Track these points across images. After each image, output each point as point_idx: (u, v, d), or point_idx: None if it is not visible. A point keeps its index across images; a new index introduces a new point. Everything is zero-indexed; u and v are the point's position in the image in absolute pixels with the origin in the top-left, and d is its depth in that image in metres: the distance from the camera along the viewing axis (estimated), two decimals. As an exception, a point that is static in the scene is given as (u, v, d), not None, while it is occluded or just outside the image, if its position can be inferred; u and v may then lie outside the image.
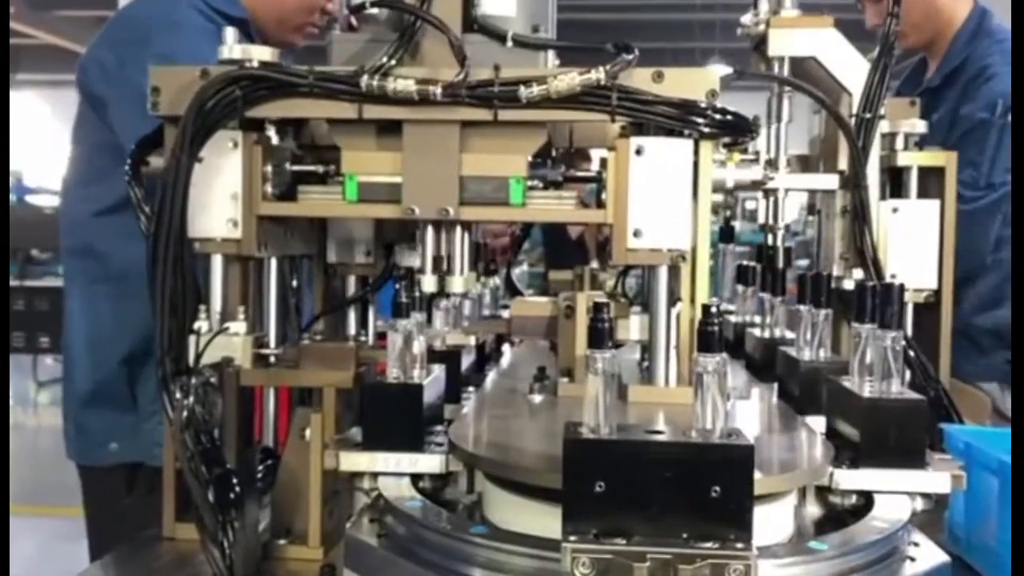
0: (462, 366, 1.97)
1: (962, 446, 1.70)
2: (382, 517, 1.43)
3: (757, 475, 1.17)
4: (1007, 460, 1.58)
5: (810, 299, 1.89)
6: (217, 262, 1.72)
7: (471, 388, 1.97)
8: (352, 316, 2.02)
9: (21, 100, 18.75)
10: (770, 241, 2.31)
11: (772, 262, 2.30)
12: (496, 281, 2.71)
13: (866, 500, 1.46)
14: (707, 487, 1.13)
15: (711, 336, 1.22)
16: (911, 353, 2.06)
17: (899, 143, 2.28)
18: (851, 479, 1.47)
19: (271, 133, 1.75)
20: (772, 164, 2.22)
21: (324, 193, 1.76)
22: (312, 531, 1.67)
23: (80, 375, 2.48)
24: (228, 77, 1.64)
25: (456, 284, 1.75)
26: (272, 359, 1.77)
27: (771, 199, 2.27)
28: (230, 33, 1.72)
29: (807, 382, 1.84)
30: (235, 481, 1.50)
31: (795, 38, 2.16)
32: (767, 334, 2.26)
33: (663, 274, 1.72)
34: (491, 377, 2.13)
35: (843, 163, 2.19)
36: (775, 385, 2.00)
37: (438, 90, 1.61)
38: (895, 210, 2.24)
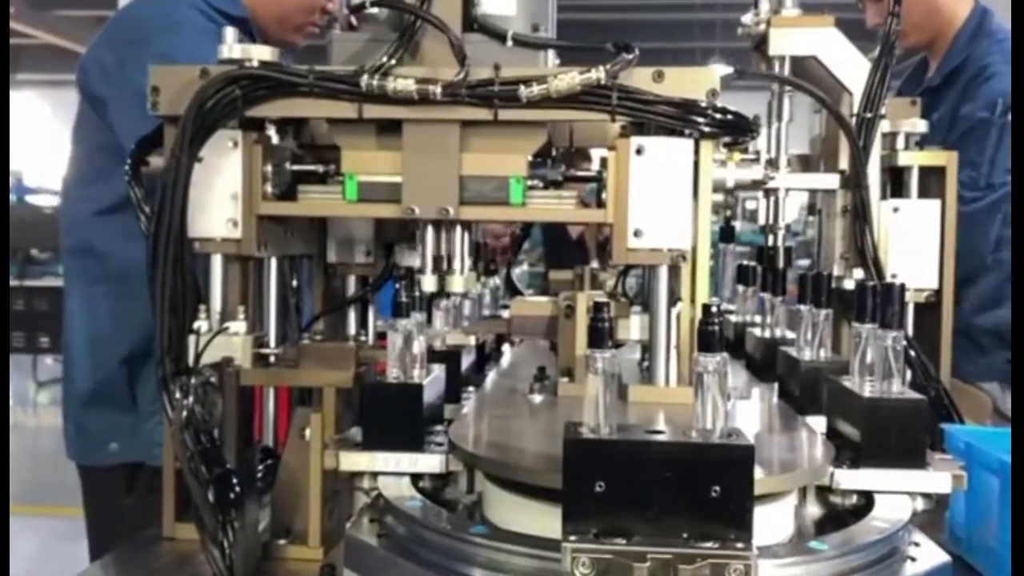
0: (462, 366, 1.97)
1: (963, 446, 1.70)
2: (382, 517, 1.43)
3: (757, 475, 1.17)
4: (1008, 460, 1.57)
5: (811, 299, 1.89)
6: (217, 262, 1.72)
7: (471, 388, 1.97)
8: (352, 316, 2.02)
9: (21, 100, 18.75)
10: (770, 241, 2.31)
11: (772, 262, 2.30)
12: (496, 281, 2.71)
13: (867, 500, 1.46)
14: (707, 487, 1.13)
15: (711, 336, 1.22)
16: (912, 353, 2.06)
17: (900, 143, 2.28)
18: (851, 479, 1.47)
19: (271, 133, 1.75)
20: (773, 164, 2.22)
21: (324, 193, 1.76)
22: (312, 531, 1.67)
23: (80, 375, 2.48)
24: (228, 77, 1.64)
25: (456, 284, 1.75)
26: (272, 359, 1.77)
27: (771, 199, 2.27)
28: (230, 33, 1.72)
29: (807, 382, 1.84)
30: (235, 481, 1.50)
31: (796, 37, 2.17)
32: (767, 334, 2.26)
33: (663, 274, 1.72)
34: (491, 377, 2.13)
35: (844, 163, 2.19)
36: (775, 385, 2.00)
37: (438, 89, 1.61)
38: (896, 210, 2.24)
